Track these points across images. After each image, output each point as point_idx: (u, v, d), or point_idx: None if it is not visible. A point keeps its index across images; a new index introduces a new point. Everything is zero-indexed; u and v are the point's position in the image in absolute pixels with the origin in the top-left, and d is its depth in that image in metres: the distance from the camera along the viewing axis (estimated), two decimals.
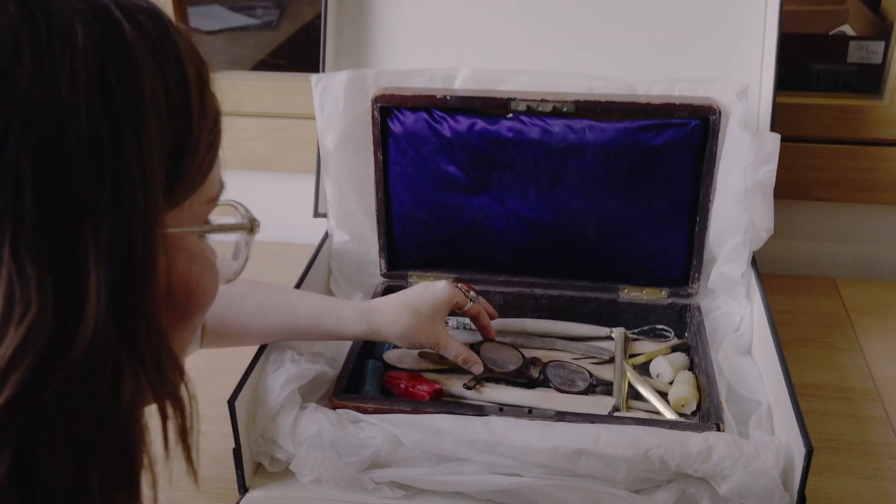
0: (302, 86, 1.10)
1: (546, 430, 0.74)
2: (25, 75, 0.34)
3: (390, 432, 0.76)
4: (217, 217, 0.47)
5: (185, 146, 0.41)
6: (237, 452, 0.77)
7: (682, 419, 0.82)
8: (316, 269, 0.96)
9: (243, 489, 0.78)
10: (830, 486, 0.79)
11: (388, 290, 0.98)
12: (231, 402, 0.74)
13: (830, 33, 1.09)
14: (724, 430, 0.76)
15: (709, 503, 0.73)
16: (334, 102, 0.92)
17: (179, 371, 0.43)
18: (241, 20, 1.72)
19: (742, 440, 0.73)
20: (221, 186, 0.46)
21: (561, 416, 0.78)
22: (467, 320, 0.96)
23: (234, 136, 1.16)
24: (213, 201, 0.45)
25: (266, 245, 1.20)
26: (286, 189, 1.19)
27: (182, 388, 0.43)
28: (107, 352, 0.37)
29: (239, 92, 1.15)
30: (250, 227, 0.50)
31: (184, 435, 0.44)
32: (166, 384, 0.41)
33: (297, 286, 0.91)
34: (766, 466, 0.71)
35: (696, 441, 0.73)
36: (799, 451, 0.69)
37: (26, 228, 0.34)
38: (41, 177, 0.34)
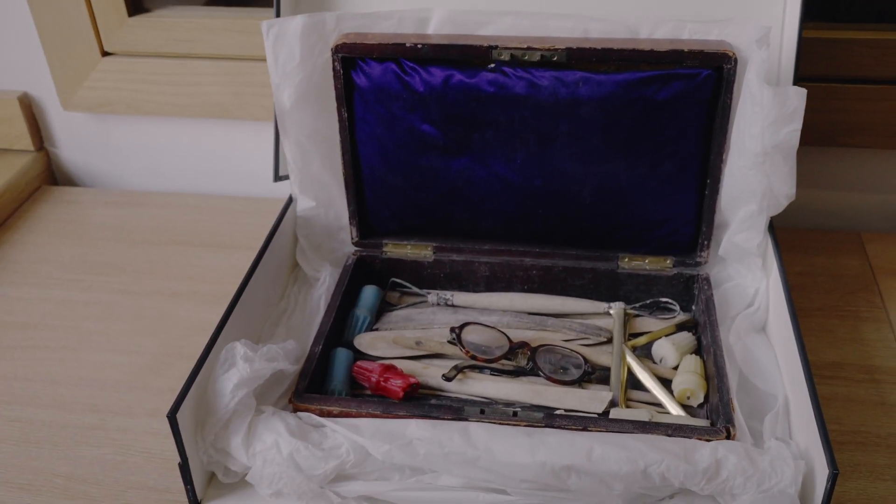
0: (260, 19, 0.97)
1: (532, 441, 0.65)
2: None
3: (356, 442, 0.67)
4: None
5: None
6: (184, 467, 0.68)
7: (687, 415, 0.73)
8: (279, 239, 0.86)
9: (195, 503, 0.70)
10: (853, 489, 0.70)
11: (360, 262, 0.88)
12: (172, 416, 0.65)
13: None
14: (734, 437, 0.67)
15: None
16: (289, 52, 0.80)
17: None
18: None
19: (755, 452, 0.64)
20: None
21: (550, 420, 0.68)
22: (449, 295, 0.87)
23: (189, 81, 1.04)
24: None
25: (229, 200, 1.10)
26: (248, 139, 1.07)
27: None
28: None
29: (192, 31, 1.02)
30: None
31: None
32: None
33: (260, 256, 0.81)
34: (782, 486, 0.62)
35: (703, 454, 0.63)
36: (822, 469, 0.60)
37: None
38: None
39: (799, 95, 0.70)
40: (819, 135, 0.94)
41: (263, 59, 0.96)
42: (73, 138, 1.13)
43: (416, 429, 0.67)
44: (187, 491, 0.69)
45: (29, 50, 1.06)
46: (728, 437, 0.66)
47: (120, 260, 1.00)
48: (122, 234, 1.05)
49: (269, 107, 0.98)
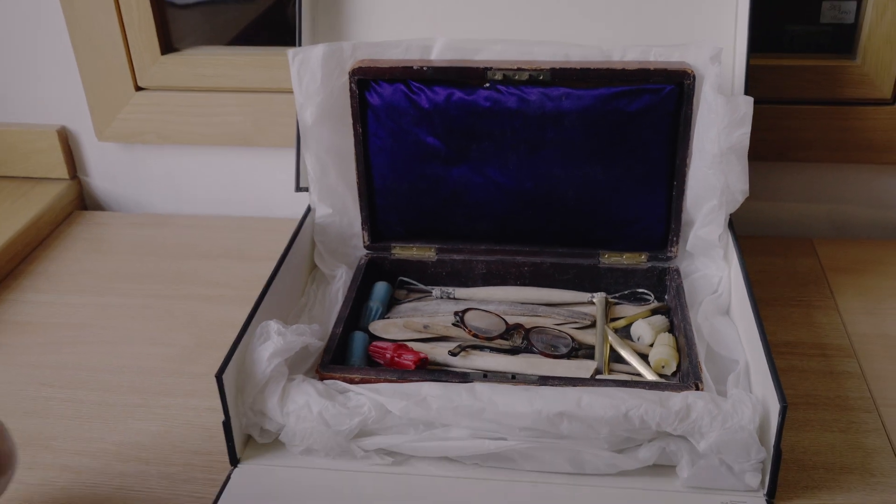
0: (281, 60, 1.10)
1: (529, 394, 0.76)
2: None
3: (377, 401, 0.78)
4: None
5: None
6: (227, 425, 0.78)
7: (663, 380, 0.84)
8: (299, 243, 0.97)
9: (235, 461, 0.80)
10: (806, 440, 0.81)
11: (371, 263, 0.99)
12: (219, 376, 0.76)
13: None
14: (702, 390, 0.78)
15: (688, 460, 0.75)
16: (312, 76, 0.93)
17: None
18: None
19: (719, 398, 0.75)
20: None
21: (544, 381, 0.79)
22: (451, 290, 0.98)
23: (214, 112, 1.16)
24: None
25: (250, 220, 1.21)
26: (268, 164, 1.19)
27: None
28: None
29: (217, 66, 1.15)
30: None
31: None
32: None
33: (281, 261, 0.92)
34: (742, 422, 0.73)
35: (676, 400, 0.75)
36: (774, 407, 0.71)
37: None
38: None
39: (747, 103, 0.84)
40: (772, 151, 1.08)
41: (281, 91, 1.10)
42: (104, 167, 1.25)
43: (428, 389, 0.78)
44: (229, 448, 0.79)
45: (69, 87, 1.18)
46: (697, 389, 0.78)
47: (150, 271, 1.11)
48: (150, 250, 1.16)
49: (287, 134, 1.11)
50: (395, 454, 0.79)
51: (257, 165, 1.20)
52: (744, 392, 0.76)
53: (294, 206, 1.03)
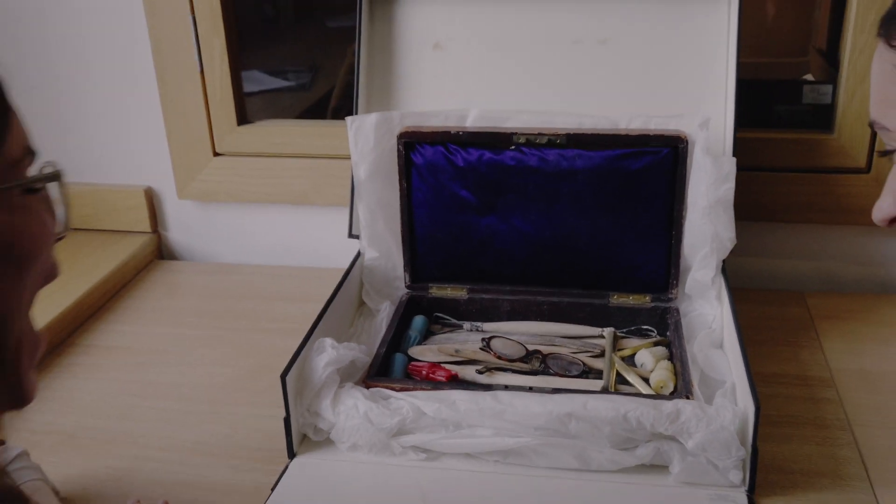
0: (334, 130, 1.30)
1: (543, 399, 0.90)
2: None
3: (414, 404, 0.92)
4: None
5: None
6: (287, 421, 0.93)
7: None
8: (350, 282, 1.13)
9: (292, 454, 0.94)
10: (786, 450, 0.93)
11: (411, 300, 1.15)
12: (283, 377, 0.91)
13: (790, 79, 1.26)
14: (692, 400, 0.91)
15: (679, 458, 0.87)
16: (366, 139, 1.11)
17: (17, 355, 0.51)
18: (276, 83, 1.94)
19: (706, 405, 0.89)
20: (27, 152, 0.52)
21: (556, 391, 0.93)
22: (479, 324, 1.13)
23: (278, 175, 1.35)
24: (18, 163, 0.51)
25: (306, 270, 1.38)
26: (323, 220, 1.36)
27: (21, 379, 0.52)
28: None
29: (284, 136, 1.34)
30: (55, 176, 0.53)
31: (19, 405, 0.53)
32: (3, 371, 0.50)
33: (335, 293, 1.07)
34: (724, 423, 0.86)
35: (668, 406, 0.88)
36: (752, 412, 0.84)
37: None
38: None
39: (731, 162, 0.99)
40: (765, 213, 1.22)
41: (337, 157, 1.28)
42: (181, 222, 1.43)
43: (457, 395, 0.92)
44: (287, 442, 0.93)
45: (157, 152, 1.38)
46: (687, 399, 0.91)
47: (218, 309, 1.27)
48: (218, 293, 1.32)
49: (339, 194, 1.29)
50: (428, 451, 0.93)
51: (314, 221, 1.37)
52: (726, 400, 0.89)
53: (345, 257, 1.18)
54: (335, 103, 1.57)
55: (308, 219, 1.38)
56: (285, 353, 0.96)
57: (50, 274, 0.54)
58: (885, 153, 0.58)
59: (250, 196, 1.37)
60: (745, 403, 0.87)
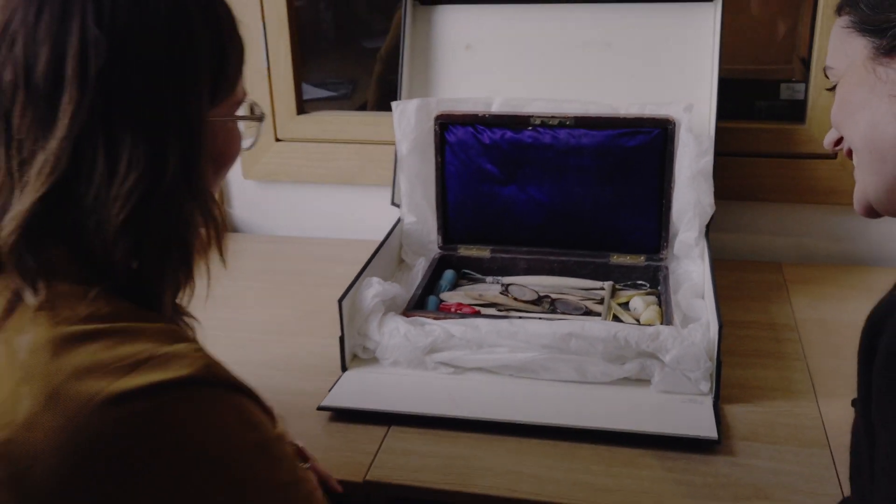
0: (379, 119, 1.52)
1: (549, 323, 1.11)
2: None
3: (444, 327, 1.13)
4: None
5: (221, 68, 0.69)
6: (342, 340, 1.14)
7: None
8: (390, 242, 1.35)
9: (344, 368, 1.15)
10: (749, 374, 1.13)
11: (442, 258, 1.36)
12: (340, 301, 1.12)
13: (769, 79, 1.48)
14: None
15: (659, 371, 1.07)
16: (408, 121, 1.33)
17: (213, 201, 0.70)
18: (320, 93, 2.20)
19: (681, 329, 1.09)
20: (244, 94, 0.74)
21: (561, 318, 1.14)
22: (500, 278, 1.34)
23: (330, 158, 1.58)
24: (239, 102, 0.73)
25: (350, 242, 1.60)
26: (368, 198, 1.59)
27: (215, 211, 0.70)
28: (177, 188, 0.65)
29: (337, 124, 1.57)
30: (259, 117, 0.76)
31: (218, 239, 0.72)
32: (206, 208, 0.69)
33: (376, 251, 1.29)
34: (695, 340, 1.06)
35: (650, 328, 1.08)
36: (716, 330, 1.04)
37: (137, 119, 0.63)
38: (147, 87, 0.63)
39: (709, 139, 1.21)
40: (746, 193, 1.43)
41: (382, 143, 1.50)
42: (245, 200, 1.66)
43: (480, 321, 1.13)
44: (342, 357, 1.15)
45: None
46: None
47: (277, 269, 1.50)
48: (276, 258, 1.55)
49: (382, 175, 1.51)
50: (455, 366, 1.13)
51: (359, 199, 1.60)
52: (697, 323, 1.10)
53: (386, 229, 1.39)
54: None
55: (354, 196, 1.60)
56: (336, 301, 1.17)
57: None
58: (830, 89, 0.79)
59: (305, 177, 1.60)
60: (712, 324, 1.07)
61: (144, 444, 0.59)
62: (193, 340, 0.70)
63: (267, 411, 0.70)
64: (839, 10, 0.74)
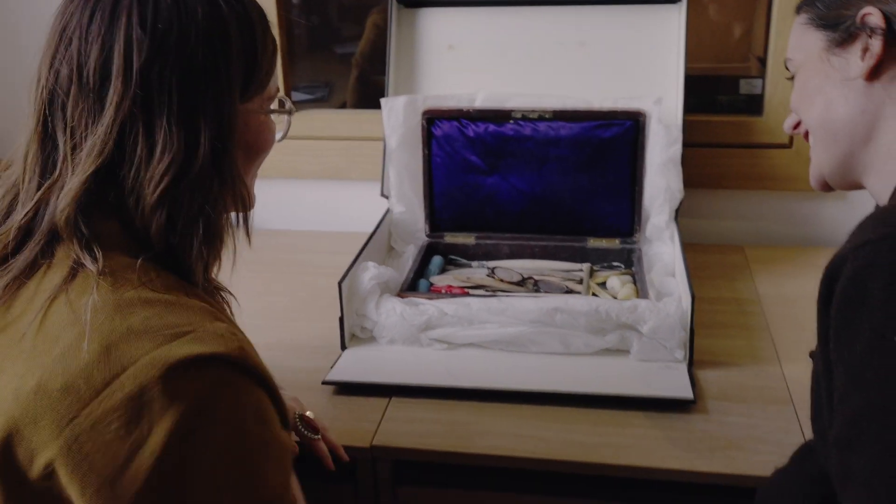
0: (366, 117, 1.60)
1: (536, 299, 1.20)
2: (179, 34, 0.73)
3: (437, 306, 1.22)
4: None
5: (253, 66, 0.77)
6: (341, 320, 1.22)
7: None
8: (381, 231, 1.43)
9: (344, 346, 1.23)
10: (718, 344, 1.23)
11: (430, 245, 1.45)
12: (340, 284, 1.20)
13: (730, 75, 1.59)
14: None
15: (637, 341, 1.17)
16: (396, 116, 1.42)
17: (243, 185, 0.79)
18: (300, 96, 2.28)
19: (657, 302, 1.19)
20: (277, 90, 0.83)
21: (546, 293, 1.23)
22: (485, 263, 1.43)
23: (319, 154, 1.65)
24: (271, 98, 0.82)
25: (338, 234, 1.68)
26: (356, 192, 1.67)
27: (245, 193, 0.80)
28: (207, 172, 0.73)
29: (324, 121, 1.65)
30: (289, 111, 0.87)
31: (244, 218, 0.83)
32: (237, 194, 0.78)
33: (369, 239, 1.37)
34: (669, 311, 1.16)
35: (628, 302, 1.18)
36: (688, 302, 1.14)
37: (173, 109, 0.72)
38: (184, 82, 0.72)
39: (678, 129, 1.31)
40: (710, 182, 1.54)
41: (366, 139, 1.58)
42: None
43: (471, 300, 1.22)
44: (341, 336, 1.22)
45: None
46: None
47: (271, 260, 1.57)
48: (270, 250, 1.62)
49: (370, 170, 1.59)
50: (448, 342, 1.22)
51: (347, 192, 1.68)
52: (670, 297, 1.19)
53: (373, 222, 1.47)
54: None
55: (344, 191, 1.68)
56: (330, 289, 1.24)
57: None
58: (790, 79, 0.88)
59: (295, 172, 1.67)
60: (684, 297, 1.17)
61: (170, 404, 0.66)
62: (231, 322, 0.78)
63: (281, 409, 0.76)
64: (798, 9, 0.85)
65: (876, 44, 0.76)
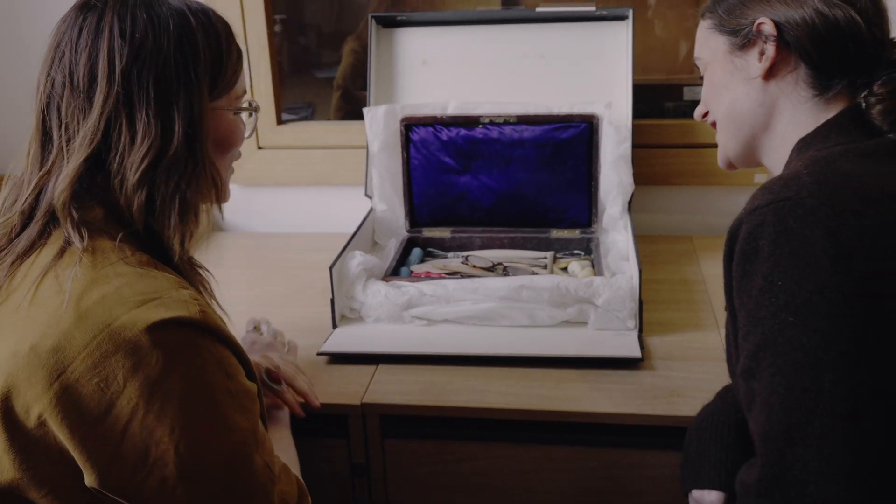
0: (349, 127, 1.76)
1: (506, 280, 1.36)
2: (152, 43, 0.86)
3: (418, 287, 1.37)
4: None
5: (219, 68, 0.90)
6: (332, 301, 1.37)
7: None
8: (365, 227, 1.59)
9: (335, 325, 1.38)
10: (666, 315, 1.39)
11: (410, 240, 1.60)
12: (331, 269, 1.36)
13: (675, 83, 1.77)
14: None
15: (594, 313, 1.33)
16: (378, 124, 1.58)
17: (216, 172, 0.92)
18: (286, 116, 2.44)
19: (611, 277, 1.35)
20: (244, 92, 0.96)
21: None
22: (460, 254, 1.59)
23: (306, 162, 1.81)
24: (238, 98, 0.94)
25: (325, 235, 1.83)
26: (341, 197, 1.82)
27: (217, 178, 0.93)
28: (180, 156, 0.86)
29: (311, 132, 1.81)
30: (255, 109, 0.99)
31: (217, 198, 0.96)
32: (209, 179, 0.91)
33: (355, 233, 1.52)
34: (621, 284, 1.32)
35: (586, 279, 1.34)
36: (636, 274, 1.31)
37: (150, 104, 0.85)
38: (159, 81, 0.85)
39: (627, 129, 1.48)
40: (660, 179, 1.71)
41: (350, 147, 1.74)
42: (230, 202, 1.87)
43: (448, 281, 1.38)
44: (332, 316, 1.37)
45: None
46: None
47: (262, 258, 1.72)
48: (260, 250, 1.77)
49: (353, 176, 1.75)
50: (428, 319, 1.37)
51: (332, 197, 1.83)
52: (622, 274, 1.36)
53: (355, 222, 1.63)
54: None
55: (328, 196, 1.84)
56: (321, 280, 1.39)
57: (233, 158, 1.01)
58: (700, 77, 1.05)
59: (283, 180, 1.83)
60: (633, 273, 1.34)
61: (141, 361, 0.78)
62: (196, 290, 0.90)
63: (245, 364, 0.88)
64: (703, 15, 1.02)
65: (770, 49, 0.93)
